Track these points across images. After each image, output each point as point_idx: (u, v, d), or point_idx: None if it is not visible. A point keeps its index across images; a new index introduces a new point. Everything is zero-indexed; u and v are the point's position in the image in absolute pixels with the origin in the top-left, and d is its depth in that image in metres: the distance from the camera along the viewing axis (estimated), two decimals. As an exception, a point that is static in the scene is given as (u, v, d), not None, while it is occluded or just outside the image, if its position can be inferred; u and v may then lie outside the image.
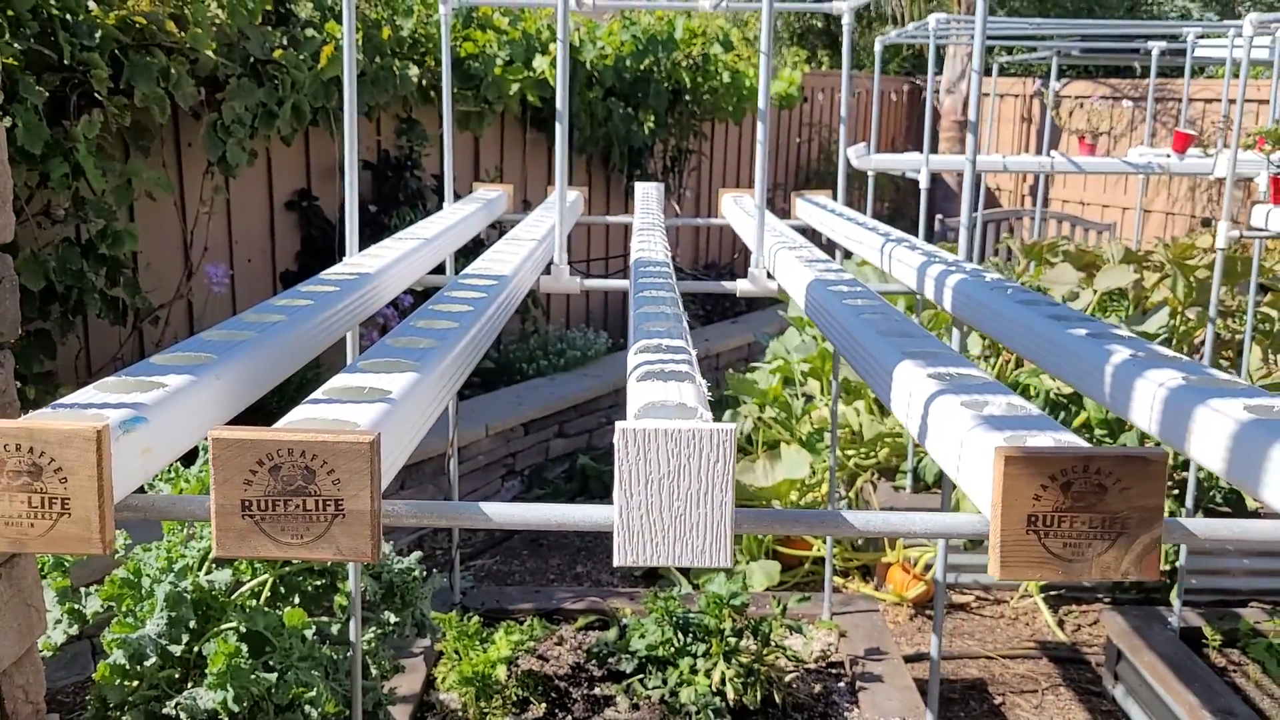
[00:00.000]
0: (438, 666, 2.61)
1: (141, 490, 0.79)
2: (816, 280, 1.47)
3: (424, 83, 4.37)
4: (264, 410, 2.05)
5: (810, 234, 2.68)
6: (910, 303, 3.84)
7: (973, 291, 1.42)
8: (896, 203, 8.39)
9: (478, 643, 2.52)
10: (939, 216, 6.99)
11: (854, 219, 2.29)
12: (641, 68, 5.41)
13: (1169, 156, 3.63)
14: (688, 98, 5.77)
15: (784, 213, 3.62)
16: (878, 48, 4.06)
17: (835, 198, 2.78)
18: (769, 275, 1.78)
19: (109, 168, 3.37)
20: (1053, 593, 3.60)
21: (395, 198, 4.58)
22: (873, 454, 3.81)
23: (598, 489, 4.47)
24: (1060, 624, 3.49)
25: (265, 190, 4.21)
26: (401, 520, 0.75)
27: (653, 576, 3.69)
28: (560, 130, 1.79)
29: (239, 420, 1.19)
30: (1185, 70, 4.00)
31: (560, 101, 1.77)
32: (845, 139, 2.74)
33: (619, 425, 0.67)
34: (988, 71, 6.94)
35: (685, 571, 3.59)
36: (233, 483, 0.66)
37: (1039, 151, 7.24)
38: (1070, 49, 4.70)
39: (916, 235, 2.25)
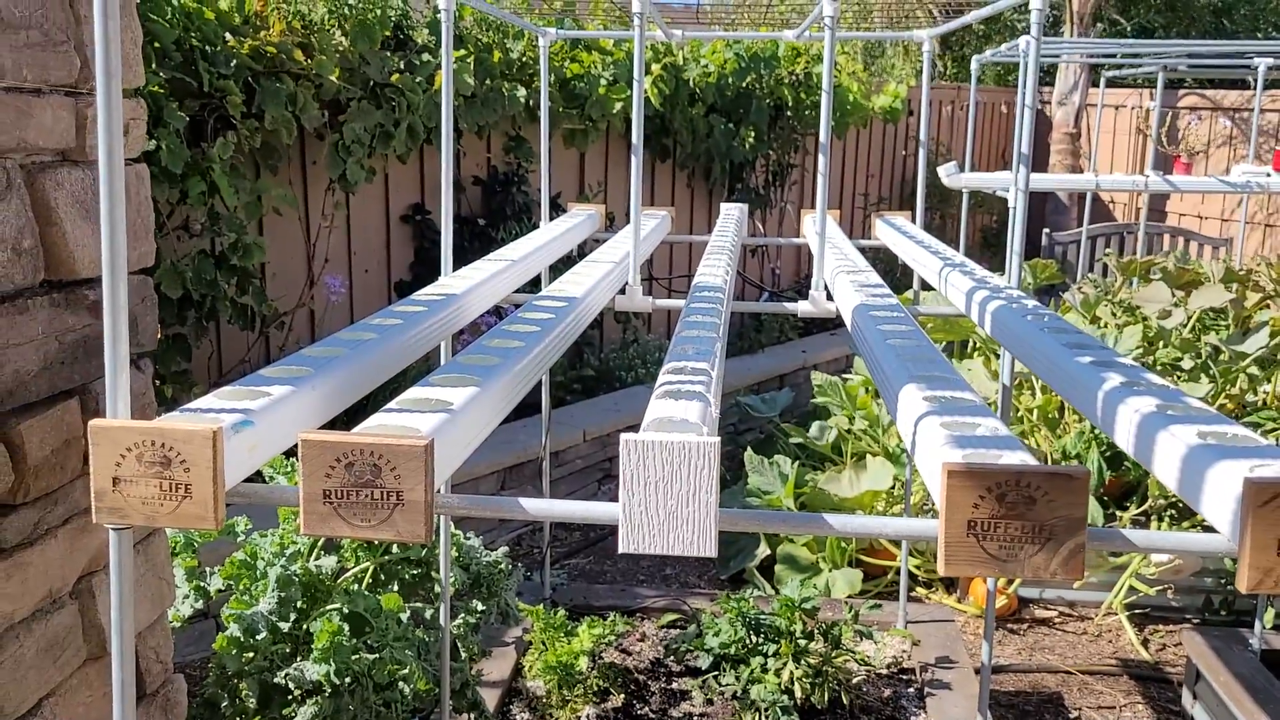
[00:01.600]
0: (526, 656, 2.79)
1: (252, 479, 0.97)
2: (861, 305, 1.59)
3: (531, 103, 4.58)
4: (363, 411, 2.26)
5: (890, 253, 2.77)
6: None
7: (1007, 318, 1.52)
8: (1004, 216, 8.29)
9: (562, 634, 2.69)
10: (1046, 230, 6.92)
11: (922, 242, 2.38)
12: (744, 85, 5.54)
13: (1269, 175, 3.60)
14: (789, 113, 5.87)
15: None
16: (974, 66, 4.11)
17: (915, 219, 2.86)
18: (829, 297, 1.90)
19: (241, 185, 3.66)
20: (1138, 611, 3.60)
21: (503, 211, 4.81)
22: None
23: (690, 495, 4.60)
24: (1144, 643, 3.49)
25: (382, 205, 4.48)
26: (454, 510, 0.92)
27: (738, 581, 3.81)
28: (635, 162, 1.95)
29: (338, 421, 1.39)
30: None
31: (635, 135, 1.93)
32: (924, 161, 2.83)
33: (623, 437, 0.81)
34: (1095, 83, 6.85)
35: (769, 576, 3.71)
36: (316, 475, 0.83)
37: (1156, 166, 7.12)
38: (1176, 65, 4.66)
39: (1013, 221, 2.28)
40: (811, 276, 1.92)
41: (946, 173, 3.76)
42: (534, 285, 2.96)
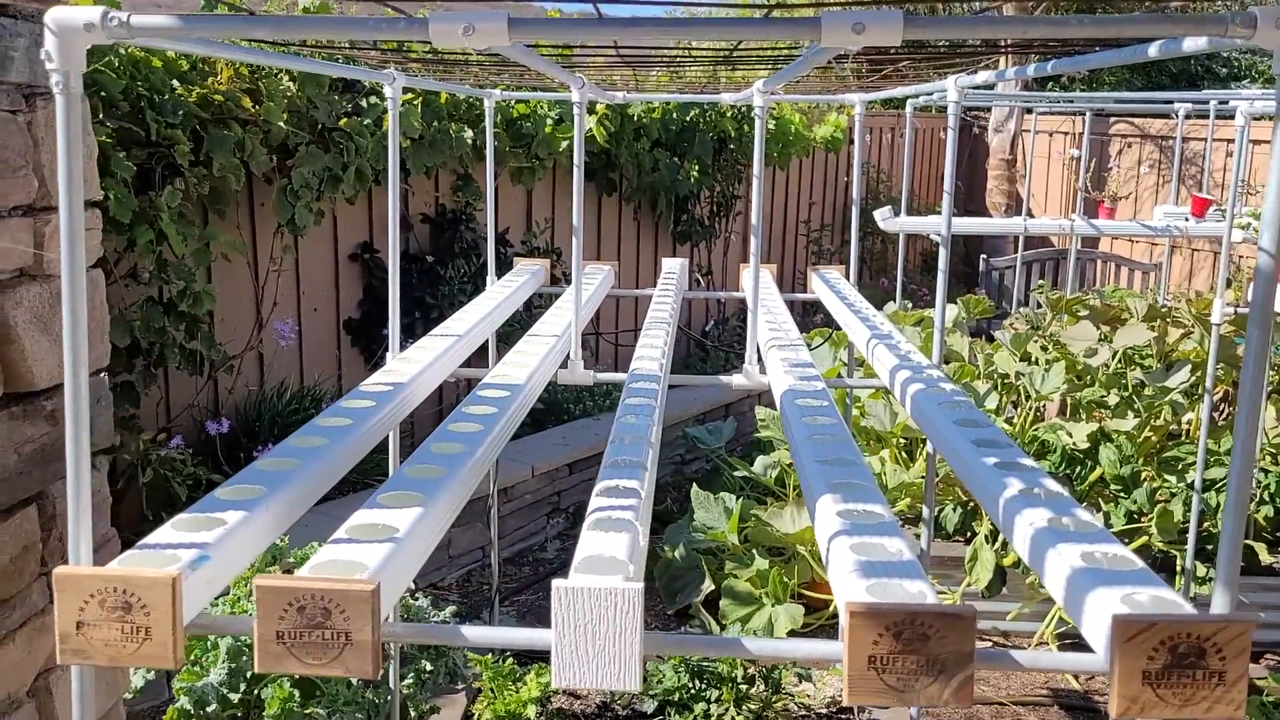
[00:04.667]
0: (476, 703, 2.85)
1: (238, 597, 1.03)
2: (789, 390, 1.68)
3: (478, 143, 4.64)
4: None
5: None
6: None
7: (923, 405, 1.62)
8: (928, 254, 8.50)
9: (510, 683, 2.75)
10: (984, 256, 7.11)
11: (853, 305, 2.48)
12: (688, 119, 5.64)
13: (1188, 220, 3.76)
14: (733, 146, 5.99)
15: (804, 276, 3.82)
16: (908, 109, 4.24)
17: (849, 273, 2.97)
18: (762, 370, 1.99)
19: (189, 232, 3.68)
20: (1069, 641, 3.74)
21: (451, 249, 4.86)
22: (896, 502, 3.98)
23: (638, 528, 4.68)
24: (1075, 674, 3.63)
25: (330, 245, 4.51)
26: (400, 639, 0.99)
27: (684, 616, 3.90)
28: (576, 244, 2.03)
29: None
30: (1208, 133, 4.13)
31: (576, 215, 2.00)
32: (857, 217, 2.93)
33: (555, 584, 0.89)
34: (1028, 110, 7.05)
35: (714, 612, 3.80)
36: (270, 618, 0.90)
37: (1084, 209, 7.32)
38: (1103, 107, 4.83)
39: (939, 285, 2.36)
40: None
41: (882, 217, 3.88)
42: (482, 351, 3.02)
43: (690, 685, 2.69)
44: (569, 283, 2.48)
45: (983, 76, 1.93)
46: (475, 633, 0.98)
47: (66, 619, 0.91)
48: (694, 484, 4.19)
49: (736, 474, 4.34)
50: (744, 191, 6.50)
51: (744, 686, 2.67)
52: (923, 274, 8.18)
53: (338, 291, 4.59)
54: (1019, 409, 4.07)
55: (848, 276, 2.99)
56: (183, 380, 3.92)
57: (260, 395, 4.22)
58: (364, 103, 4.25)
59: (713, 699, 2.65)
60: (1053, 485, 1.25)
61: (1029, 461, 1.33)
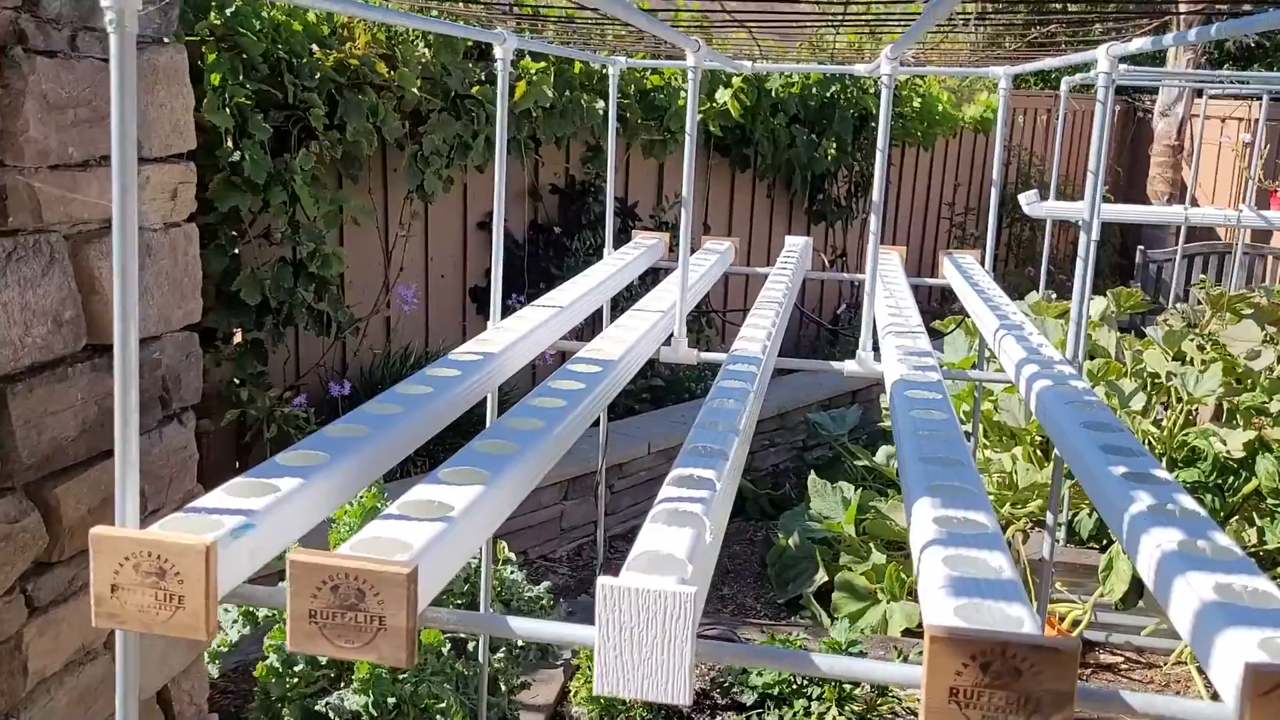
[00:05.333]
0: (573, 679, 2.81)
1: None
2: (900, 381, 1.56)
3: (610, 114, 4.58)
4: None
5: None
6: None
7: (1049, 403, 1.48)
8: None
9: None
10: (1141, 248, 6.70)
11: (984, 291, 2.32)
12: (828, 95, 5.46)
13: (1373, 214, 3.42)
14: (874, 124, 5.77)
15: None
16: (1063, 88, 3.99)
17: (984, 258, 2.79)
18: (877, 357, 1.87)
19: (321, 195, 3.73)
20: (1211, 663, 3.48)
21: (579, 220, 4.83)
22: (1027, 503, 3.77)
23: (753, 511, 4.59)
24: (1215, 695, 3.37)
25: (460, 213, 4.53)
26: (442, 626, 0.92)
27: (795, 606, 3.79)
28: (685, 216, 1.93)
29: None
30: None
31: (686, 188, 1.91)
32: (996, 198, 2.75)
33: (600, 581, 0.81)
34: (1199, 93, 6.59)
35: (825, 605, 3.67)
36: (303, 595, 0.85)
37: (1257, 199, 6.83)
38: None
39: (1078, 273, 2.16)
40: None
41: (1026, 201, 3.66)
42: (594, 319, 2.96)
43: (791, 679, 2.59)
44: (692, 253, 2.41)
45: (1136, 44, 1.75)
46: (522, 625, 0.91)
47: (101, 581, 0.88)
48: (813, 471, 4.06)
49: (858, 463, 4.19)
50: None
51: (848, 686, 2.56)
52: (1073, 264, 7.76)
53: (465, 259, 4.61)
54: (1169, 411, 3.79)
55: (983, 262, 2.82)
56: (310, 340, 3.99)
57: (385, 358, 4.27)
58: (496, 70, 4.23)
59: (813, 696, 2.54)
60: (1188, 502, 1.11)
61: (1162, 473, 1.18)
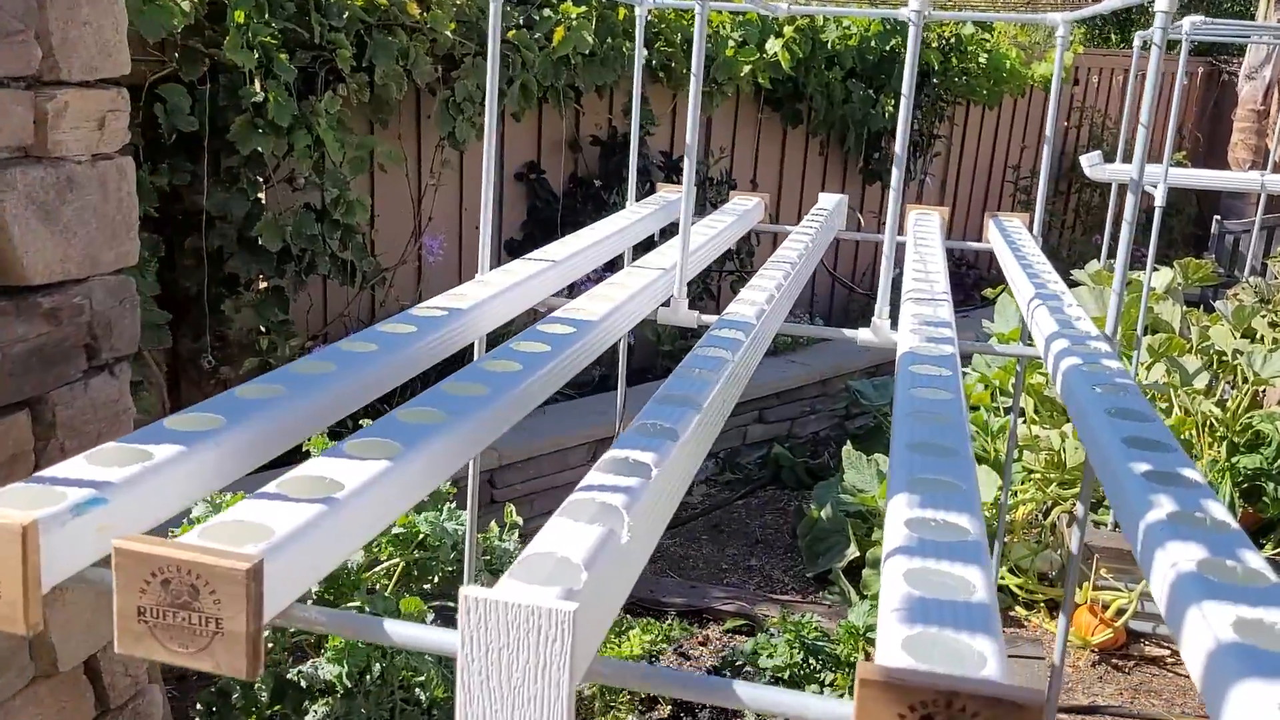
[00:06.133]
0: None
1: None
2: (908, 353, 1.39)
3: (653, 63, 4.41)
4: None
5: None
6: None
7: (1074, 384, 1.30)
8: (1171, 198, 7.68)
9: (613, 635, 2.59)
10: (1217, 217, 6.35)
11: (1025, 258, 2.13)
12: (887, 48, 5.21)
13: None
14: (935, 80, 5.51)
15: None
16: (1136, 41, 3.73)
17: (1033, 223, 2.59)
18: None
19: (347, 140, 3.62)
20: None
21: (620, 173, 4.67)
22: (1076, 484, 3.57)
23: (789, 479, 4.43)
24: None
25: (496, 162, 4.39)
26: (309, 626, 0.80)
27: (824, 580, 3.64)
28: (689, 164, 1.77)
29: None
30: None
31: (690, 134, 1.75)
32: (1048, 158, 2.54)
33: (463, 591, 0.67)
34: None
35: (855, 581, 3.52)
36: (130, 589, 0.72)
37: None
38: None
39: (1122, 236, 1.95)
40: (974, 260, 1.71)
41: (1089, 163, 3.42)
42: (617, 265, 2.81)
43: (804, 663, 2.45)
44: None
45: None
46: (397, 629, 0.78)
47: (-86, 558, 0.76)
48: (849, 441, 3.89)
49: (898, 435, 4.00)
50: (946, 130, 6.01)
51: (864, 673, 2.41)
52: (1145, 232, 7.43)
53: (501, 211, 4.48)
54: (1234, 392, 3.55)
55: (1031, 226, 2.61)
56: (336, 290, 3.90)
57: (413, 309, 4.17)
58: (535, 15, 4.07)
59: (826, 682, 2.40)
60: (1219, 511, 0.94)
61: (1194, 475, 1.01)
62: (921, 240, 2.27)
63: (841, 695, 2.37)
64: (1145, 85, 1.69)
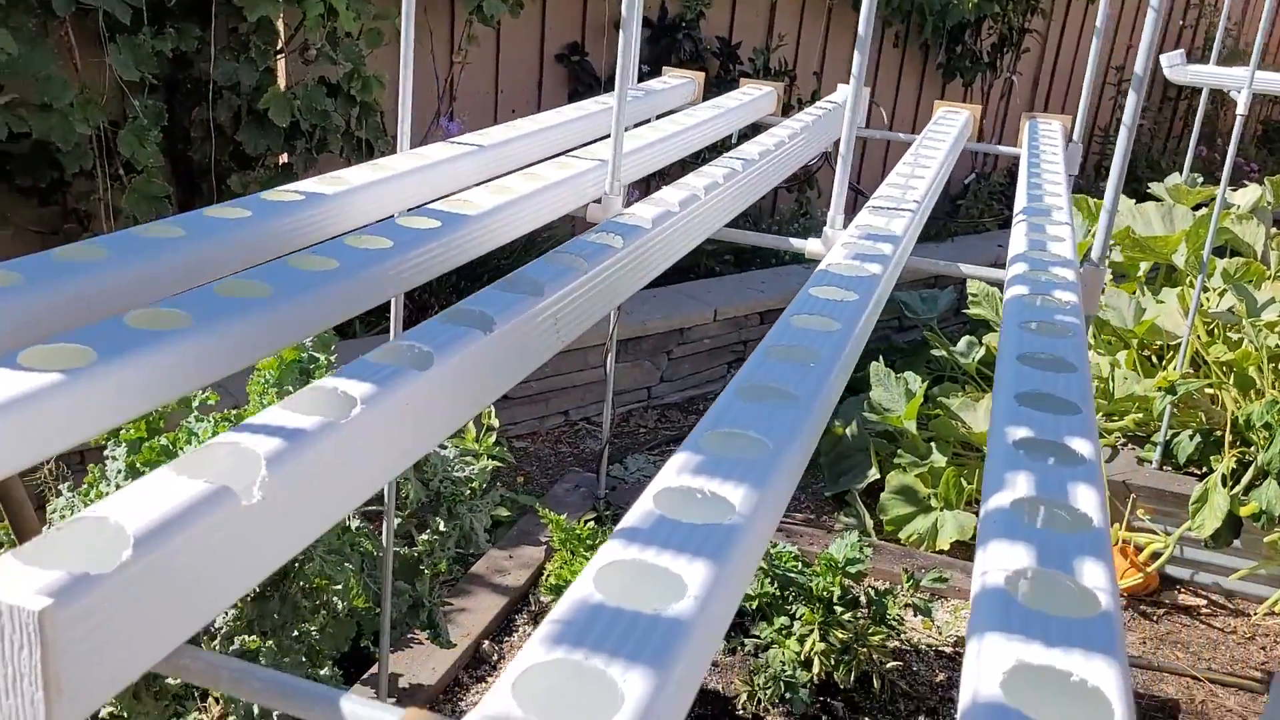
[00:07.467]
0: (549, 562, 2.59)
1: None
2: (823, 272, 1.19)
3: (707, -63, 4.09)
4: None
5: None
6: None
7: (1008, 314, 1.09)
8: (1268, 123, 7.06)
9: (583, 548, 2.46)
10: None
11: (1037, 166, 1.87)
12: (973, -71, 4.77)
13: None
14: (1027, -33, 5.05)
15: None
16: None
17: (1074, 125, 2.30)
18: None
19: (362, 9, 3.43)
20: (1309, 622, 3.00)
21: (668, 58, 4.39)
22: (1121, 416, 3.29)
23: (825, 393, 4.22)
24: (1305, 665, 2.91)
25: (536, 42, 4.17)
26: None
27: (842, 503, 3.46)
28: (625, 38, 1.56)
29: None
30: None
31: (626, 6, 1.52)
32: (1095, 51, 2.24)
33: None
34: None
35: (870, 506, 3.33)
36: None
37: None
38: None
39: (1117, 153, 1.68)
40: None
41: (1169, 63, 3.06)
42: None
43: (777, 594, 2.30)
44: (800, 109, 2.01)
45: None
46: None
47: None
48: (879, 356, 3.67)
49: (933, 352, 3.76)
50: (1040, 25, 5.54)
51: (839, 609, 2.25)
52: (1258, 147, 6.85)
53: (540, 95, 4.27)
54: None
55: (1071, 130, 2.32)
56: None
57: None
58: (577, -120, 3.78)
59: (796, 614, 2.25)
60: (1090, 499, 0.73)
61: (1086, 449, 0.80)
62: (928, 143, 2.02)
63: (810, 629, 2.21)
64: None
